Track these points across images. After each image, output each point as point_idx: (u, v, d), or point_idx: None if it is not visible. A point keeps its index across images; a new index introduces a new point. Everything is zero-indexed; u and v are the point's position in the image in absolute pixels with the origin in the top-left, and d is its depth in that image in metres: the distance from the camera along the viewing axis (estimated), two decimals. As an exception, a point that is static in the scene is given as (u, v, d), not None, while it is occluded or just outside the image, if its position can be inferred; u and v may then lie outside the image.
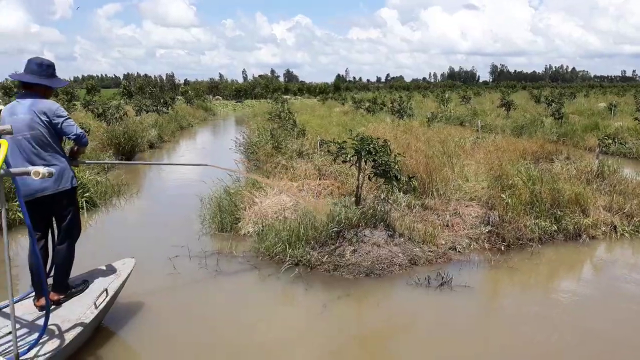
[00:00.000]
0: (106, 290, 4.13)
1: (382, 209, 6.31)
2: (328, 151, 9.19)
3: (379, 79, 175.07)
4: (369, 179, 6.25)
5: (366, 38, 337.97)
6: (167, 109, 26.73)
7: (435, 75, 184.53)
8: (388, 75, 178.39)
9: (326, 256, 5.58)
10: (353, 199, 6.30)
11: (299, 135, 13.62)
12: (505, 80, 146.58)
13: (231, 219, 6.93)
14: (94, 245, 6.31)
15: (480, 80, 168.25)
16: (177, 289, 5.16)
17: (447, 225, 6.65)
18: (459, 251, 6.05)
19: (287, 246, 5.70)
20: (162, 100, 27.66)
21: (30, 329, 3.66)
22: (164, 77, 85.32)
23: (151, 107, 25.29)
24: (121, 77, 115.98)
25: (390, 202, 6.94)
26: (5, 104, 7.96)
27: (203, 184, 8.09)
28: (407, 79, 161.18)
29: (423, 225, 6.44)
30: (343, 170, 8.42)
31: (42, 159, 3.78)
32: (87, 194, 8.25)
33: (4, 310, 3.89)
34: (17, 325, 3.55)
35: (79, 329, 3.67)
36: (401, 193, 7.35)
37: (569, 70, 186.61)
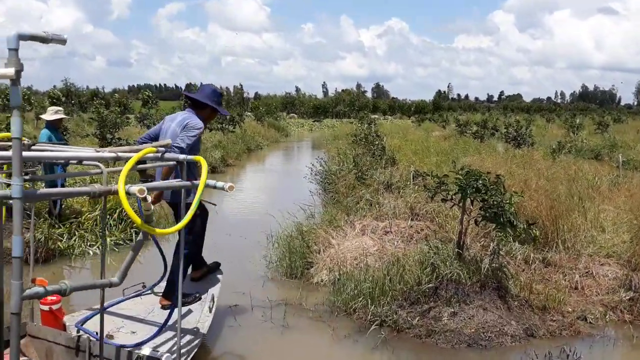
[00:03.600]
0: (213, 296, 5.09)
1: (492, 262, 6.13)
2: (424, 186, 9.10)
3: (490, 98, 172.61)
4: (476, 223, 6.10)
5: (474, 47, 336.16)
6: (234, 127, 27.40)
7: (563, 94, 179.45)
8: (502, 93, 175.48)
9: (417, 318, 5.47)
10: (454, 247, 6.16)
11: (387, 164, 13.61)
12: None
13: (302, 262, 7.00)
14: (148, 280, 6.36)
15: (622, 103, 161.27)
16: (236, 345, 5.22)
17: (576, 288, 6.37)
18: (590, 322, 5.74)
19: (369, 302, 5.65)
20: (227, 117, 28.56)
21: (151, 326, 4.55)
22: (232, 90, 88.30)
23: (215, 124, 26.17)
24: (182, 88, 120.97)
25: (502, 254, 6.72)
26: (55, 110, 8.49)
27: (271, 217, 8.23)
28: (526, 98, 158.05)
29: (544, 286, 6.21)
30: (442, 210, 8.28)
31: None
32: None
33: (116, 306, 4.90)
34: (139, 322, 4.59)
35: (204, 329, 4.62)
36: (517, 243, 7.11)
37: None
